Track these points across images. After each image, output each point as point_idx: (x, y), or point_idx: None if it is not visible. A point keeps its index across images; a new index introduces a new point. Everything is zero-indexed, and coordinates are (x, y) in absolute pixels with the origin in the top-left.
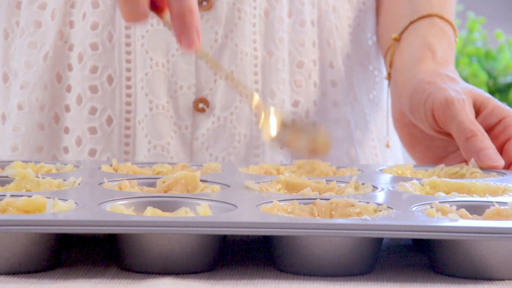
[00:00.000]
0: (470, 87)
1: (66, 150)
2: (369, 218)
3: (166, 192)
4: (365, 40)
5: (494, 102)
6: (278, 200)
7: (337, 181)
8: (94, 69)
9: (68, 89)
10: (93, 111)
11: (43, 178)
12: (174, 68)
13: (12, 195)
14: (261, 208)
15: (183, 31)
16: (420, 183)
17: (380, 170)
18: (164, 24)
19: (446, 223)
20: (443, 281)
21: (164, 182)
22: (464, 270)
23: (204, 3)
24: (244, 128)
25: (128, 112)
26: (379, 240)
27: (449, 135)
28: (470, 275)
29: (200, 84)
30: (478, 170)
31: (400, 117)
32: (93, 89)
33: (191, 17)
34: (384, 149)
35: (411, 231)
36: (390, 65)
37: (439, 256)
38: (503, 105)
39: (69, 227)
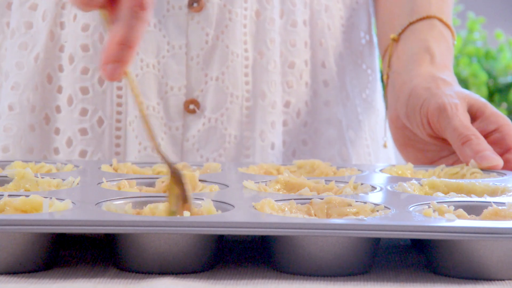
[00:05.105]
0: (465, 92)
1: (56, 151)
2: (365, 218)
3: (165, 192)
4: (359, 39)
5: (491, 108)
6: (276, 200)
7: (336, 181)
8: (85, 71)
9: (59, 90)
10: (84, 112)
11: (42, 178)
12: (165, 69)
13: (10, 195)
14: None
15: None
16: (419, 183)
17: (380, 170)
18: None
19: (443, 223)
20: (442, 281)
21: (163, 182)
22: (461, 271)
23: (195, 4)
24: (234, 129)
25: (119, 113)
26: (376, 240)
27: (444, 140)
28: (467, 275)
29: (190, 85)
30: (479, 170)
31: (395, 119)
32: (84, 91)
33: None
34: (378, 149)
35: (407, 231)
36: (389, 66)
37: (437, 256)
38: (499, 112)
39: (65, 226)
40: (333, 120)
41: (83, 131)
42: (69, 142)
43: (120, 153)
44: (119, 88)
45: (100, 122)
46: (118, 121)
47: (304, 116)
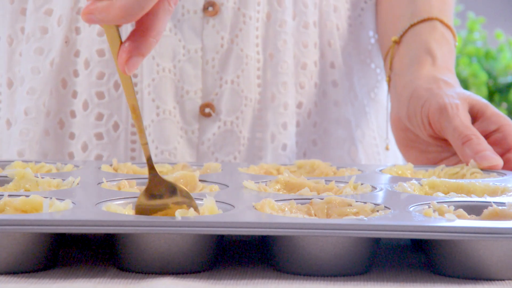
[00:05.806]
0: (467, 93)
1: (71, 155)
2: (365, 218)
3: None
4: (367, 38)
5: (492, 109)
6: (276, 200)
7: (336, 181)
8: (100, 75)
9: (74, 95)
10: (99, 117)
11: (42, 178)
12: (181, 73)
13: (10, 195)
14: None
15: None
16: (419, 183)
17: (380, 170)
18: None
19: (442, 223)
20: (442, 281)
21: None
22: (461, 270)
23: (210, 8)
24: (248, 132)
25: None
26: (376, 240)
27: (445, 141)
28: (467, 275)
29: (206, 89)
30: (479, 170)
31: (397, 120)
32: (100, 95)
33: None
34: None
35: (407, 231)
36: (390, 68)
37: (436, 256)
38: (500, 113)
39: (65, 226)
40: (342, 120)
41: (99, 136)
42: (85, 147)
43: (136, 157)
44: (135, 93)
45: (116, 126)
46: (134, 125)
47: (313, 117)
